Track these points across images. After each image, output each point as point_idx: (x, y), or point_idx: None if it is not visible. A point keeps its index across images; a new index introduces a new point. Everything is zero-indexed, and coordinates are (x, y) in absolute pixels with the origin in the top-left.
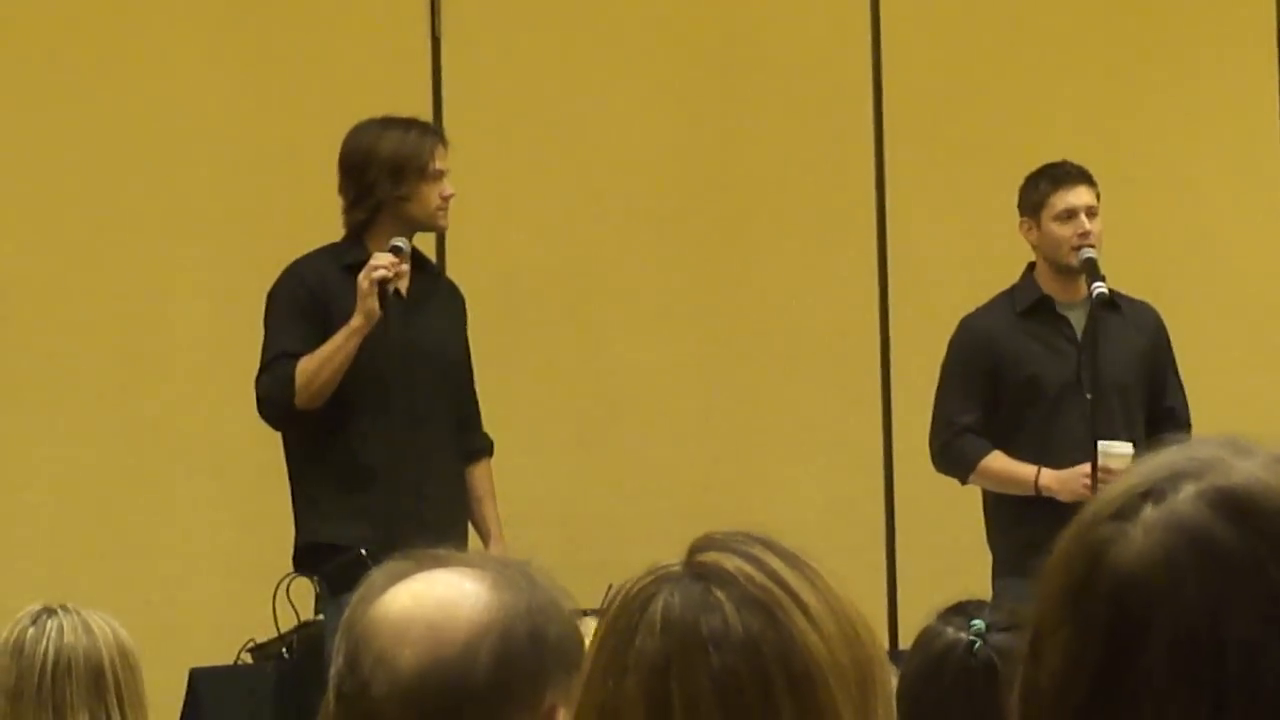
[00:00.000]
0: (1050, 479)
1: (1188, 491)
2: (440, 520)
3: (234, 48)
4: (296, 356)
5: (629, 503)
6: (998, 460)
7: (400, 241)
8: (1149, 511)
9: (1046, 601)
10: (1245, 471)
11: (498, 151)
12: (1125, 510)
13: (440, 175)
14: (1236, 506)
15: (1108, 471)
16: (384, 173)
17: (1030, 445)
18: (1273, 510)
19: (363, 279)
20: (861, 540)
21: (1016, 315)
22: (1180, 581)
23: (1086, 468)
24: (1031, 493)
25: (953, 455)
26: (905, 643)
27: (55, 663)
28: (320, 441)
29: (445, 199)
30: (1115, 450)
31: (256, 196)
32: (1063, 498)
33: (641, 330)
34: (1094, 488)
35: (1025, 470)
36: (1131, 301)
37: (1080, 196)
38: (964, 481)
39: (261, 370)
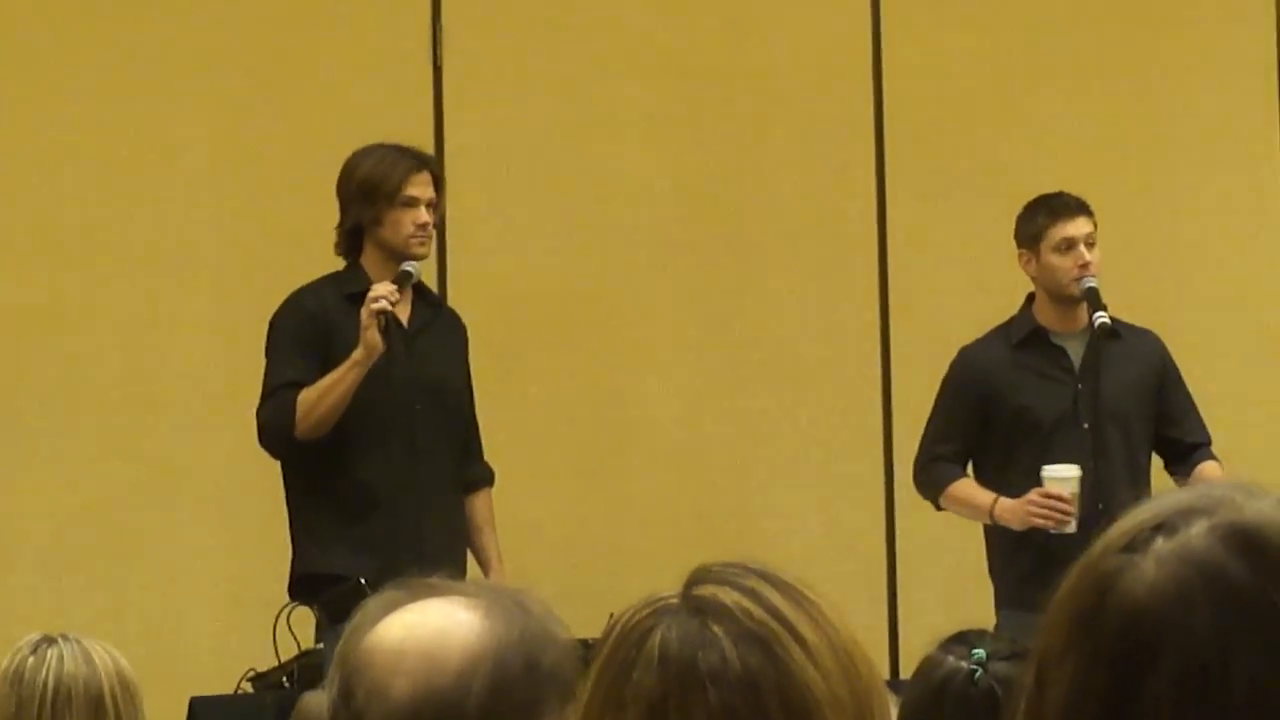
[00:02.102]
0: (1003, 509)
1: (1200, 526)
2: (440, 550)
3: (236, 77)
4: (298, 386)
5: (630, 531)
6: (963, 486)
7: (411, 267)
8: (1161, 544)
9: (1053, 630)
10: (1257, 509)
11: (499, 180)
12: (1136, 543)
13: (414, 202)
14: (1249, 542)
15: (1050, 495)
16: (355, 195)
17: (1025, 477)
18: None
19: (364, 312)
20: (863, 569)
21: (1012, 347)
22: (1190, 613)
23: (1032, 494)
24: (989, 521)
25: (926, 480)
26: (906, 672)
27: (55, 692)
28: (320, 471)
29: (419, 226)
30: (1059, 474)
31: (258, 225)
32: (1014, 526)
33: (642, 359)
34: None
35: (984, 498)
36: (1132, 329)
37: (1079, 227)
38: (937, 506)
39: (263, 400)
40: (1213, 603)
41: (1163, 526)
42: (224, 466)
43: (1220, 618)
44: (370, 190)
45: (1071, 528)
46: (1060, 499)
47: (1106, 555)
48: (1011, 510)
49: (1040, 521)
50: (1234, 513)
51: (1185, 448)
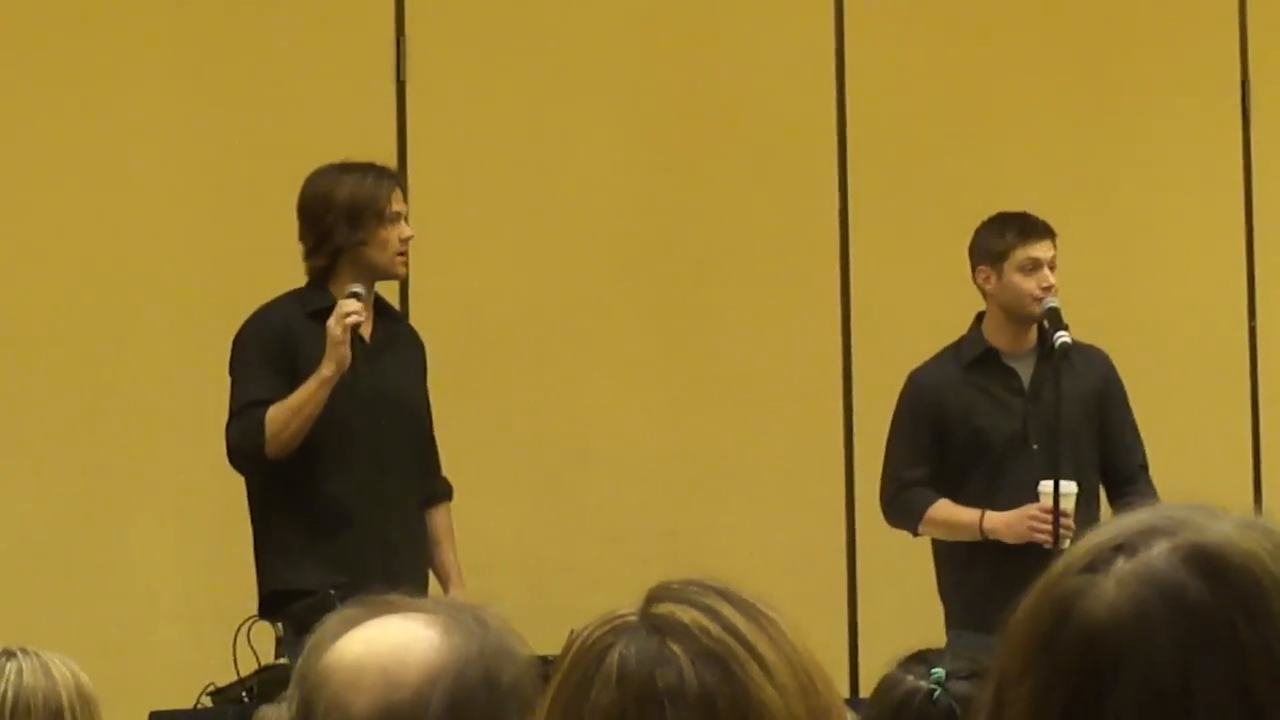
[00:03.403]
0: (995, 521)
1: (1161, 547)
2: (406, 564)
3: (198, 91)
4: (266, 404)
5: (591, 548)
6: (943, 508)
7: (358, 288)
8: (1121, 564)
9: (1012, 650)
10: (1219, 530)
11: (462, 196)
12: (1096, 563)
13: (398, 218)
14: (1209, 564)
15: (1047, 510)
16: (341, 218)
17: (977, 497)
18: (1244, 569)
19: (334, 325)
20: (823, 588)
21: (963, 368)
22: (1150, 633)
23: (1031, 508)
24: (978, 537)
25: (899, 508)
26: (866, 690)
27: (14, 705)
28: (285, 487)
29: (404, 242)
30: (1061, 490)
31: (220, 240)
32: (1008, 540)
33: (604, 376)
34: (1054, 531)
35: (970, 515)
36: (1082, 347)
37: (1045, 249)
38: (914, 533)
39: (231, 418)
40: (1173, 624)
41: (1124, 547)
42: (185, 480)
43: (1181, 639)
44: (357, 212)
45: (1068, 544)
46: (1063, 514)
47: (1067, 575)
48: (1006, 523)
49: (1040, 537)
50: (1195, 534)
51: (1121, 469)
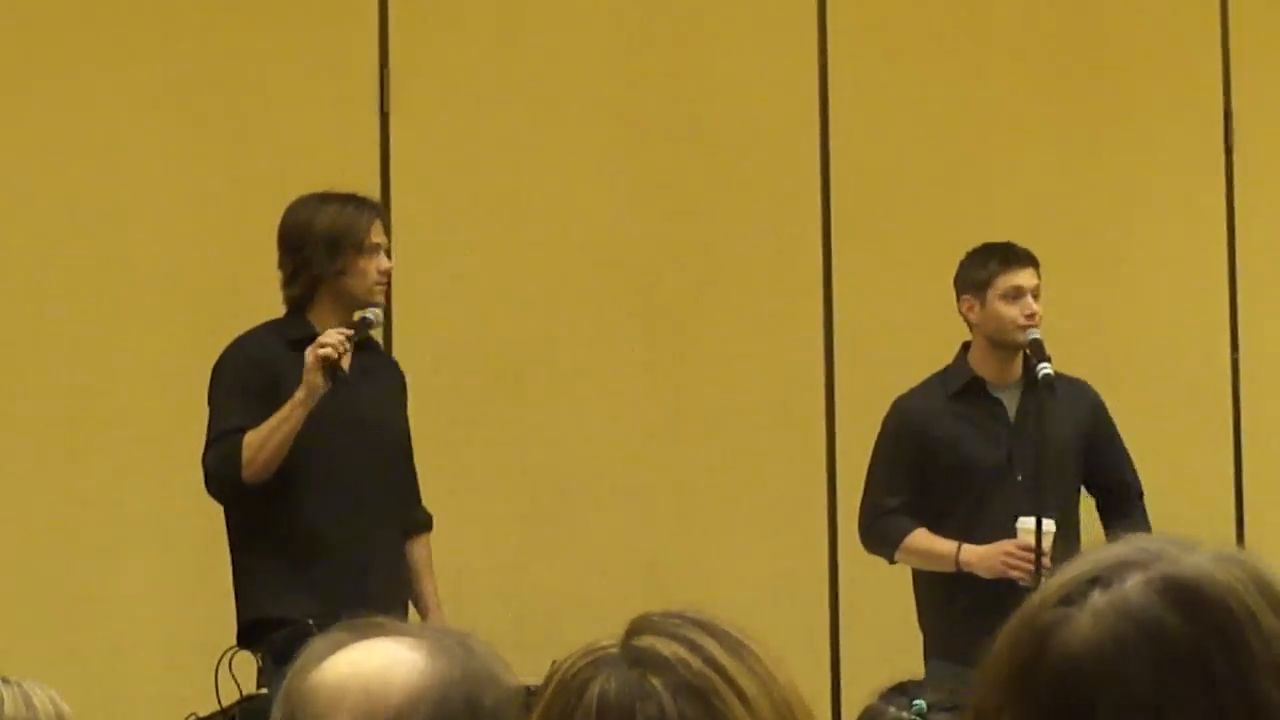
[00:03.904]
0: (971, 555)
1: (1136, 580)
2: (384, 594)
3: (182, 120)
4: (241, 431)
5: (573, 579)
6: (920, 537)
7: (371, 313)
8: (1097, 597)
9: (990, 683)
10: (1193, 563)
11: (445, 227)
12: (1073, 596)
13: (377, 249)
14: (1184, 596)
15: (1028, 548)
16: (320, 247)
17: (960, 527)
18: (1219, 601)
19: (309, 353)
20: (805, 619)
21: (948, 397)
22: (1126, 666)
23: (1007, 544)
24: (953, 569)
25: (876, 535)
26: None
27: None
28: (263, 517)
29: (383, 273)
30: (1033, 525)
31: (202, 269)
32: (982, 574)
33: (587, 407)
34: (1033, 566)
35: (946, 546)
36: (1068, 380)
37: (1028, 278)
38: (891, 560)
39: (208, 446)
40: (1149, 655)
41: (1099, 579)
42: (167, 511)
43: (1156, 670)
44: (336, 241)
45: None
46: (1042, 552)
47: (1043, 608)
48: (981, 557)
49: (1014, 573)
50: (1170, 565)
51: (1117, 499)
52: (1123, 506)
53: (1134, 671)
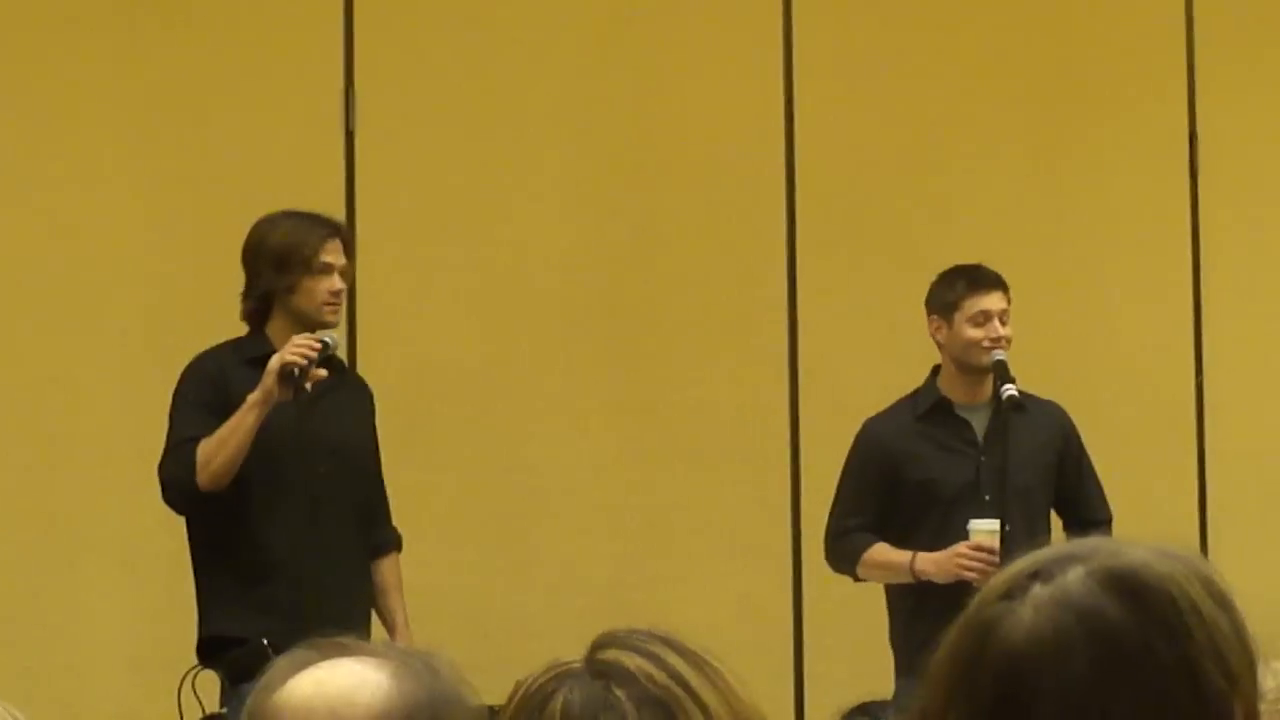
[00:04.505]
0: (925, 562)
1: (1077, 572)
2: (342, 613)
3: (146, 139)
4: (197, 441)
5: (539, 599)
6: (878, 551)
7: (329, 338)
8: (1038, 590)
9: (936, 683)
10: (1133, 555)
11: (410, 246)
12: (1014, 590)
13: (329, 269)
14: (1125, 586)
15: (979, 548)
16: (269, 263)
17: (927, 546)
18: (1160, 591)
19: (274, 359)
20: (769, 639)
21: (916, 418)
22: (1068, 657)
23: (960, 546)
24: (910, 579)
25: (838, 552)
26: None
27: None
28: (222, 534)
29: (333, 294)
30: (987, 526)
31: (167, 288)
32: (939, 579)
33: (552, 426)
34: (988, 566)
35: (901, 556)
36: (1039, 402)
37: (995, 301)
38: (855, 576)
39: (164, 456)
40: (1091, 646)
41: (1040, 573)
42: (132, 529)
43: (1098, 661)
44: (284, 258)
45: None
46: (992, 551)
47: (985, 605)
48: (935, 563)
49: (969, 575)
50: (1110, 558)
51: (1084, 523)
52: (1088, 531)
53: (1077, 661)
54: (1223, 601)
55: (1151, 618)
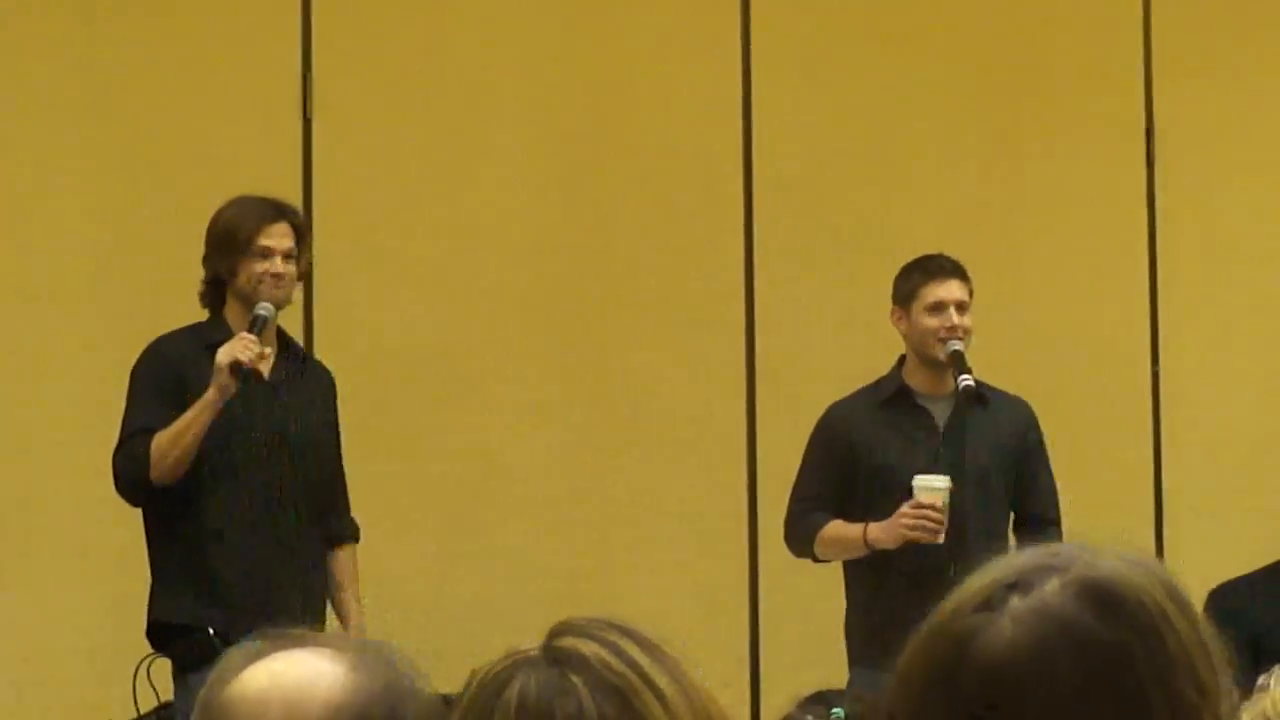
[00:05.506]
0: (875, 530)
1: (1054, 583)
2: (292, 603)
3: (102, 127)
4: (152, 433)
5: (495, 588)
6: (834, 527)
7: (264, 309)
8: (1016, 602)
9: (907, 690)
10: (1109, 565)
11: (367, 233)
12: (992, 601)
13: (269, 253)
14: (1103, 597)
15: (920, 505)
16: (214, 247)
17: None
18: (1136, 601)
19: (220, 354)
20: (726, 628)
21: (877, 406)
22: (1051, 669)
23: (905, 507)
24: (865, 551)
25: (795, 533)
26: None
27: None
28: (170, 519)
29: (273, 275)
30: (931, 483)
31: (123, 275)
32: (889, 545)
33: (508, 416)
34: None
35: (854, 530)
36: (1003, 395)
37: (951, 291)
38: (814, 558)
39: (118, 446)
40: (1072, 658)
41: (1017, 584)
42: (86, 518)
43: (1080, 672)
44: (225, 240)
45: (941, 539)
46: (933, 508)
47: (960, 615)
48: (884, 529)
49: (914, 534)
50: (1086, 569)
51: (1029, 520)
52: (1035, 527)
53: (1059, 673)
54: (1187, 611)
55: (1131, 631)
